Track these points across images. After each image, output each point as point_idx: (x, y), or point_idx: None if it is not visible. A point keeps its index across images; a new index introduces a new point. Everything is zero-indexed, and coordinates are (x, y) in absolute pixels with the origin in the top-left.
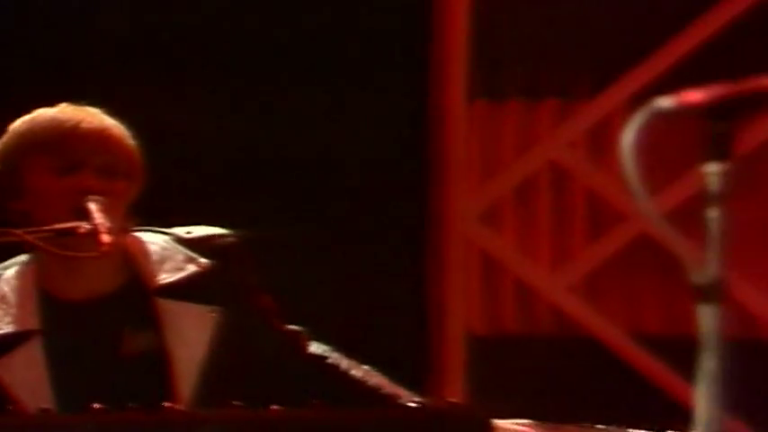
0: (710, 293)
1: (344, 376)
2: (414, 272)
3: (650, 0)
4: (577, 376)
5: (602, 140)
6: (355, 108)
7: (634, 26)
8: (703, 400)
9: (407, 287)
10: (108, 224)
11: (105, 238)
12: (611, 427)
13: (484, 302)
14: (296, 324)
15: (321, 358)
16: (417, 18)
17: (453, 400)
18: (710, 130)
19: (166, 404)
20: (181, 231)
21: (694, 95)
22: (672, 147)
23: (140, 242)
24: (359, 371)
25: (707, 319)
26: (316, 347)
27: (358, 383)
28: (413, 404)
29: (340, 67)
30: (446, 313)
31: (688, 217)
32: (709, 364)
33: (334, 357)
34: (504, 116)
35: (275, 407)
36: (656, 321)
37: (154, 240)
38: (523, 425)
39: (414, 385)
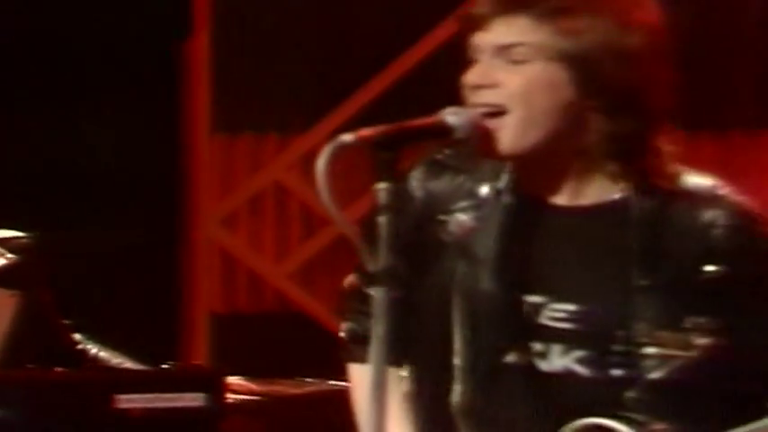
0: (380, 279)
1: (95, 360)
2: (167, 265)
3: (346, 51)
4: (294, 343)
5: (313, 165)
6: (125, 137)
7: (335, 74)
8: (375, 357)
9: (163, 277)
10: None
11: None
12: (316, 380)
13: (223, 288)
14: (72, 310)
15: (78, 344)
16: (171, 66)
17: (195, 363)
18: (379, 158)
19: None
20: None
21: (367, 132)
22: (356, 170)
23: None
24: (109, 356)
25: (378, 297)
26: (77, 337)
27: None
28: (164, 366)
29: (115, 101)
30: (193, 297)
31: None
32: (378, 330)
33: (88, 345)
34: (238, 146)
35: (59, 369)
36: None
37: None
38: (245, 380)
39: (167, 356)
